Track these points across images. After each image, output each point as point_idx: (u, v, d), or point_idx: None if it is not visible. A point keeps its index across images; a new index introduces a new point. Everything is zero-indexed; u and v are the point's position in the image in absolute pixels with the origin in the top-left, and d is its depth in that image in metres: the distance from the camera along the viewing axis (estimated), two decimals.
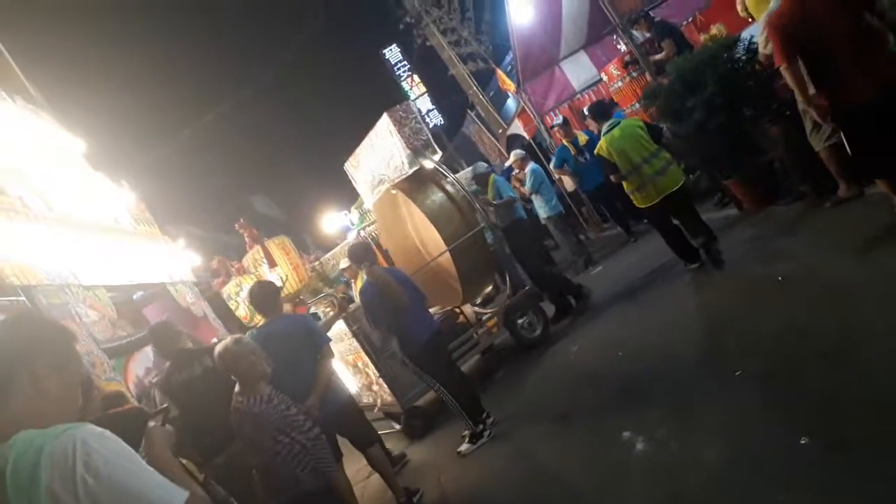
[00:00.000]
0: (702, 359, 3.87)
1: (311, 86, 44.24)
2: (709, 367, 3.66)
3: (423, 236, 7.31)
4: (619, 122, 5.71)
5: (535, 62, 11.37)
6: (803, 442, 2.45)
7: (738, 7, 7.05)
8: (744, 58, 5.83)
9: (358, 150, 7.11)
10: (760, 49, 5.27)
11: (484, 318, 6.61)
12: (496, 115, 16.25)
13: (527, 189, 9.00)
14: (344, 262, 7.42)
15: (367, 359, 5.93)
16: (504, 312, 6.43)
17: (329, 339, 4.43)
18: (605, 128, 5.73)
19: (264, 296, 4.40)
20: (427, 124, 6.59)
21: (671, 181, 5.42)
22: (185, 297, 7.40)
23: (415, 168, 6.06)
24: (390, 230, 7.60)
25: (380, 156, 6.59)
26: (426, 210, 6.32)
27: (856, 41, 3.64)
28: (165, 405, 2.83)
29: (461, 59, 16.55)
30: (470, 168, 8.44)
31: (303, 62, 42.64)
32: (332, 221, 17.24)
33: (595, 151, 5.96)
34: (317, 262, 10.22)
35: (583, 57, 11.52)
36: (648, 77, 8.01)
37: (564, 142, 9.35)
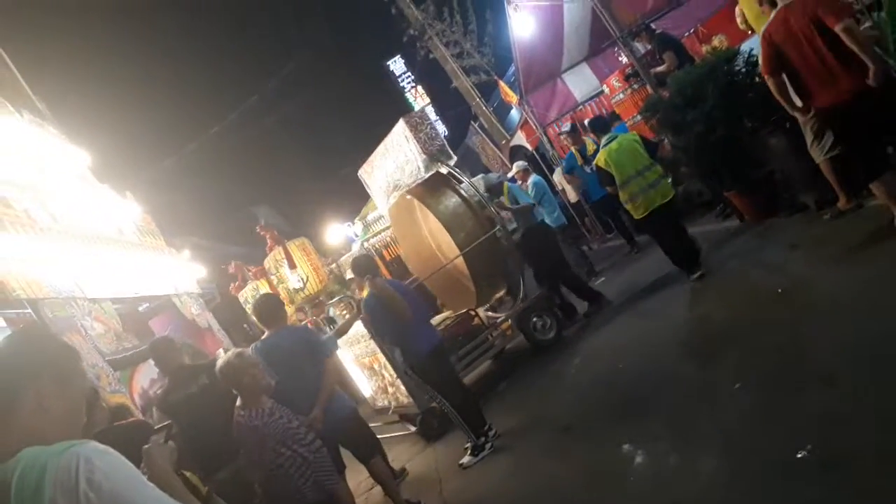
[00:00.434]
0: (702, 371, 3.89)
1: (315, 97, 44.46)
2: (708, 380, 3.67)
3: (438, 240, 7.42)
4: (616, 136, 6.05)
5: (538, 74, 11.43)
6: (800, 456, 2.46)
7: (738, 20, 7.12)
8: (743, 70, 5.86)
9: (372, 157, 7.22)
10: (761, 62, 5.31)
11: (499, 320, 6.71)
12: (499, 126, 16.33)
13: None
14: (349, 274, 7.50)
15: (383, 360, 5.97)
16: (518, 315, 6.51)
17: (331, 352, 4.45)
18: (603, 140, 6.07)
19: (268, 308, 4.44)
20: None
21: (661, 194, 5.75)
22: (191, 308, 7.45)
23: (431, 172, 6.17)
24: (406, 235, 7.70)
25: (395, 161, 6.68)
26: (440, 215, 6.43)
27: (830, 54, 4.09)
28: (168, 422, 2.85)
29: (464, 72, 16.67)
30: (480, 176, 8.52)
31: (307, 74, 42.88)
32: (336, 232, 17.30)
33: (594, 163, 6.24)
34: (333, 265, 10.33)
35: (585, 69, 11.58)
36: (649, 89, 8.05)
37: (573, 149, 9.41)
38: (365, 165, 7.47)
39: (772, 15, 4.44)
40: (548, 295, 6.84)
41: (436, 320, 7.04)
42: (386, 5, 16.59)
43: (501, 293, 7.43)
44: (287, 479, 3.37)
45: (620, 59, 10.53)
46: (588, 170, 9.15)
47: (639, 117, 8.36)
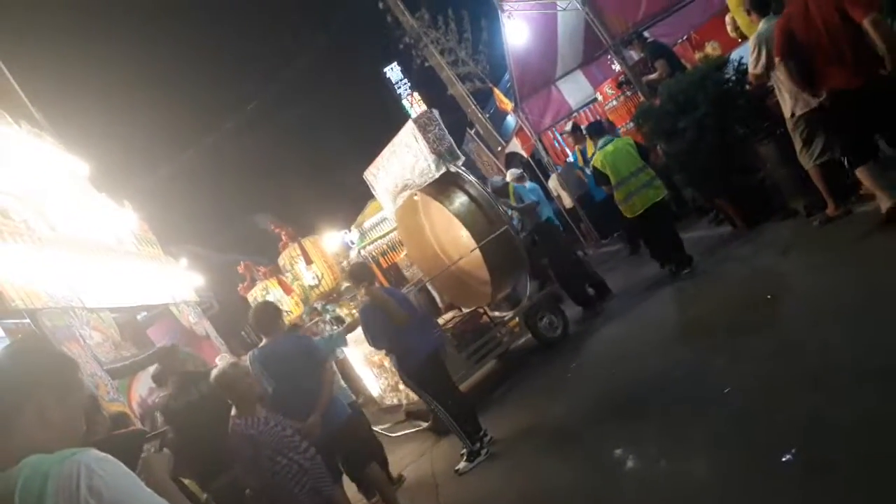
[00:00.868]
0: (692, 376, 3.93)
1: (312, 104, 44.56)
2: (699, 385, 3.71)
3: (441, 241, 7.54)
4: (612, 140, 6.50)
5: (532, 81, 11.50)
6: (784, 460, 2.51)
7: (729, 28, 7.21)
8: (734, 78, 5.94)
9: (378, 159, 7.27)
10: (750, 70, 5.37)
11: (507, 317, 6.79)
12: (495, 133, 16.38)
13: None
14: (345, 283, 7.57)
15: None
16: (525, 313, 6.61)
17: (329, 358, 4.49)
18: (599, 143, 6.54)
19: (265, 316, 4.47)
20: None
21: (654, 194, 6.23)
22: (188, 316, 7.46)
23: (441, 171, 6.26)
24: (411, 237, 7.74)
25: (403, 162, 6.74)
26: (454, 211, 6.52)
27: (848, 44, 4.15)
28: (164, 429, 2.90)
29: (459, 79, 16.74)
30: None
31: (304, 81, 42.98)
32: (333, 240, 17.33)
33: (591, 164, 6.66)
34: (345, 262, 10.39)
35: (579, 76, 11.65)
36: (641, 97, 8.13)
37: (576, 149, 9.51)
38: (371, 167, 7.51)
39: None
40: (555, 293, 7.08)
41: (444, 318, 7.13)
42: (381, 13, 16.68)
43: (507, 291, 7.51)
44: (283, 487, 3.40)
45: (614, 66, 10.59)
46: (588, 171, 9.24)
47: (631, 124, 8.44)
